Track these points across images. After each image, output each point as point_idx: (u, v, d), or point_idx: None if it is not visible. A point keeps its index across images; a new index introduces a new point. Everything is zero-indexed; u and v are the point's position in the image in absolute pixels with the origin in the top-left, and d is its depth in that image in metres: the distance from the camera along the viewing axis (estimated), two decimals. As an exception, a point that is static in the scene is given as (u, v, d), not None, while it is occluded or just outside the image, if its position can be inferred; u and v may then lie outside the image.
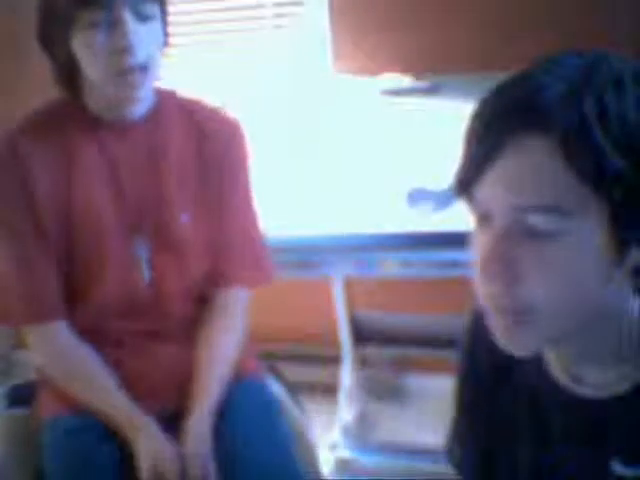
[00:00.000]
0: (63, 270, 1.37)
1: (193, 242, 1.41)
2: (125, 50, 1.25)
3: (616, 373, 0.81)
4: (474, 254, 0.78)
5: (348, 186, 1.75)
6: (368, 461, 2.25)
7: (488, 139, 0.73)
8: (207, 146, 1.42)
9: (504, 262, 0.73)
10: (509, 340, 0.77)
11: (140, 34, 1.26)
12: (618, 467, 0.80)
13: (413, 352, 2.47)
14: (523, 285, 0.73)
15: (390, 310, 2.51)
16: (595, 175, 0.69)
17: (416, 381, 2.47)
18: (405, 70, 2.15)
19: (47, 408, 1.39)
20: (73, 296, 1.39)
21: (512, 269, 0.73)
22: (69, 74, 1.34)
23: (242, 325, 1.48)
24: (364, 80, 2.18)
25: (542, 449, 0.89)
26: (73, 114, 1.38)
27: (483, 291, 0.77)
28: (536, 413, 0.89)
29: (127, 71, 1.27)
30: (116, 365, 1.39)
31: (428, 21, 2.19)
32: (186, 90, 1.52)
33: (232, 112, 1.58)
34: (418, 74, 2.13)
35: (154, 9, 1.29)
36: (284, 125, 2.05)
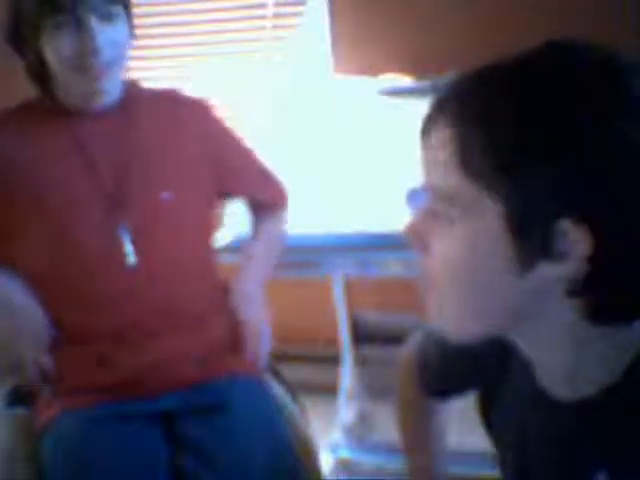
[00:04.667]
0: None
1: (178, 220, 1.42)
2: (91, 51, 1.30)
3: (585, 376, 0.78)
4: None
5: (348, 186, 1.75)
6: (368, 461, 2.25)
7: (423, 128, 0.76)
8: (183, 121, 1.48)
9: (414, 233, 0.77)
10: (433, 311, 0.79)
11: (105, 34, 1.31)
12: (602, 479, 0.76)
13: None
14: (430, 256, 0.75)
15: (390, 310, 2.51)
16: (480, 174, 0.69)
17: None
18: (405, 70, 2.15)
19: (47, 410, 1.39)
20: (57, 290, 1.38)
21: (421, 240, 0.76)
22: (39, 70, 1.37)
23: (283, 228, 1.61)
24: (364, 80, 2.19)
25: (524, 457, 0.87)
26: (45, 106, 1.41)
27: None
28: (519, 419, 0.88)
29: (93, 70, 1.32)
30: (109, 359, 1.37)
31: (428, 21, 2.19)
32: (184, 90, 1.53)
33: (230, 111, 1.59)
34: (418, 74, 2.13)
35: (118, 9, 1.33)
36: (284, 126, 2.05)
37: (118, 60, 1.35)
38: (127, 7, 1.37)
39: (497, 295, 0.74)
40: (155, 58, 2.46)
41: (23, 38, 1.34)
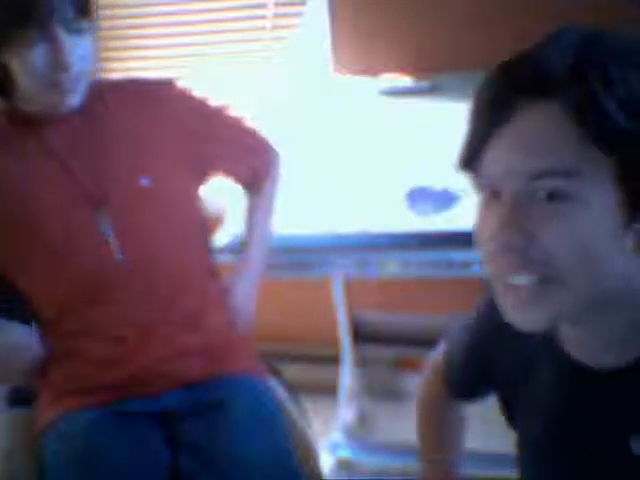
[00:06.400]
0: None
1: (162, 205, 1.41)
2: (61, 66, 1.29)
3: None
4: (481, 238, 0.78)
5: (348, 186, 1.75)
6: (368, 461, 2.25)
7: (494, 109, 0.75)
8: (152, 105, 1.47)
9: (517, 229, 0.73)
10: (524, 314, 0.76)
11: (74, 49, 1.30)
12: (637, 447, 0.77)
13: (413, 352, 2.47)
14: (538, 248, 0.73)
15: (390, 310, 2.51)
16: (604, 135, 0.70)
17: (416, 381, 2.47)
18: (405, 70, 2.15)
19: (48, 410, 1.39)
20: (52, 297, 1.37)
21: (526, 233, 0.73)
22: (2, 83, 1.35)
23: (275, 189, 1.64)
24: (364, 80, 2.19)
25: (556, 439, 0.88)
26: (5, 116, 1.40)
27: (498, 269, 0.76)
28: (547, 402, 0.89)
29: (63, 84, 1.31)
30: (109, 359, 1.36)
31: (428, 21, 2.19)
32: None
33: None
34: (418, 74, 2.13)
35: (84, 24, 1.32)
36: (284, 125, 2.04)
37: (86, 74, 1.35)
38: (92, 21, 1.36)
39: (610, 267, 0.74)
40: (155, 58, 2.46)
41: None
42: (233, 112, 1.61)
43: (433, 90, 2.08)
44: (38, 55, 1.28)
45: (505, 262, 0.75)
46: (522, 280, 0.74)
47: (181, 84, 1.55)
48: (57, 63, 1.28)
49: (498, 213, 0.74)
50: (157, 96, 1.50)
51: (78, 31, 1.30)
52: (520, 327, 0.77)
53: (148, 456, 1.33)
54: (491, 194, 0.77)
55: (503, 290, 0.77)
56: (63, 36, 1.28)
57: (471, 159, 0.78)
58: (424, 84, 2.10)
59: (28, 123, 1.39)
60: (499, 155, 0.75)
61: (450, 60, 2.16)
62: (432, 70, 2.14)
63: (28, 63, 1.28)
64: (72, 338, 1.39)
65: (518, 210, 0.73)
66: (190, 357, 1.40)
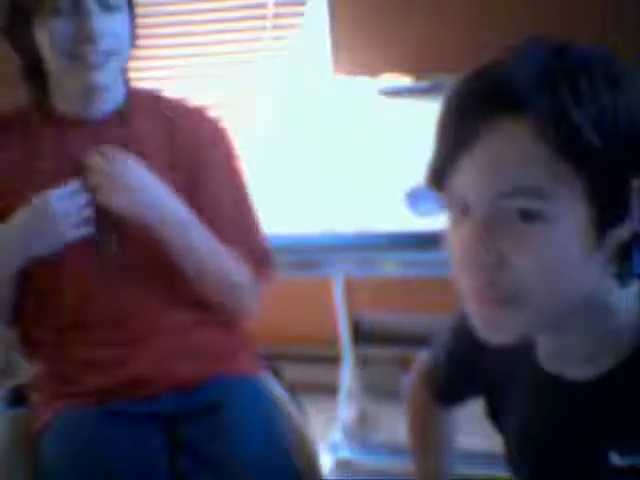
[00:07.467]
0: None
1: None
2: (88, 38, 1.27)
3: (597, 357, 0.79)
4: (451, 250, 0.77)
5: (348, 186, 1.75)
6: (368, 461, 2.25)
7: (462, 127, 0.73)
8: (181, 144, 1.41)
9: (487, 249, 0.72)
10: (494, 328, 0.76)
11: (104, 23, 1.28)
12: (616, 458, 0.77)
13: (413, 352, 2.47)
14: (508, 270, 0.72)
15: (390, 310, 2.51)
16: (573, 152, 0.69)
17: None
18: (405, 70, 2.15)
19: (46, 410, 1.39)
20: (50, 304, 1.37)
21: (495, 255, 0.72)
22: (34, 71, 1.34)
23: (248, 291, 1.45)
24: (364, 80, 2.19)
25: (538, 450, 0.88)
26: (38, 114, 1.38)
27: (466, 283, 0.76)
28: (524, 414, 0.89)
29: (89, 57, 1.28)
30: (106, 361, 1.36)
31: (428, 21, 2.19)
32: (183, 91, 1.52)
33: (229, 112, 1.58)
34: (418, 74, 2.13)
35: (119, 1, 1.30)
36: (284, 125, 2.05)
37: (117, 53, 1.31)
38: (130, 1, 1.34)
39: (578, 286, 0.74)
40: (155, 58, 2.46)
41: (18, 28, 1.29)
42: (250, 204, 1.48)
43: (433, 90, 2.08)
44: (64, 25, 1.26)
45: (474, 280, 0.74)
46: (489, 298, 0.74)
47: (225, 133, 1.46)
48: (82, 34, 1.26)
49: (468, 231, 0.74)
50: (198, 135, 1.42)
51: (109, 8, 1.28)
52: (489, 341, 0.78)
53: (147, 457, 1.32)
54: (461, 212, 0.75)
55: (472, 306, 0.77)
56: (92, 7, 1.26)
57: (441, 178, 0.77)
58: (424, 84, 2.10)
59: (59, 124, 1.37)
60: (469, 174, 0.73)
61: (450, 60, 2.15)
62: (432, 70, 2.14)
63: (53, 33, 1.27)
64: (66, 344, 1.38)
65: (489, 229, 0.72)
66: (187, 360, 1.40)
